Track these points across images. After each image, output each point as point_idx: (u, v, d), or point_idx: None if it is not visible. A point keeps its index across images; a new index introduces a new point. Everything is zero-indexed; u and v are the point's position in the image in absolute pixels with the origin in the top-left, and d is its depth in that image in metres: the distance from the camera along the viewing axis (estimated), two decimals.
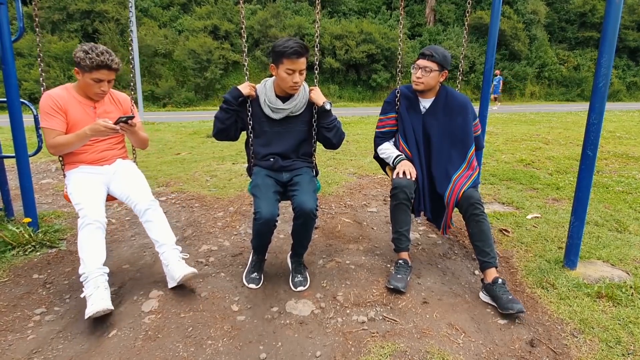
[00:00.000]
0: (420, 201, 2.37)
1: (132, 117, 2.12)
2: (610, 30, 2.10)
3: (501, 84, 16.97)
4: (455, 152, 2.36)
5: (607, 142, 7.04)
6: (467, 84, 20.99)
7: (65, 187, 2.24)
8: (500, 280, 2.10)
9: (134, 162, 2.52)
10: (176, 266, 2.11)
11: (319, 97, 2.24)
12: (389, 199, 2.35)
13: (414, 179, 2.31)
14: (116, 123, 2.07)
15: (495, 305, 2.06)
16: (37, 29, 2.38)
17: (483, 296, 2.17)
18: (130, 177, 2.28)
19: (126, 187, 2.23)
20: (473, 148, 2.38)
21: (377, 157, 2.63)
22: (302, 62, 2.09)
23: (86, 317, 1.83)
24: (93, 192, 2.12)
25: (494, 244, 2.80)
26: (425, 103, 2.43)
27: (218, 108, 2.24)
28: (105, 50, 2.09)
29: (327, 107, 2.21)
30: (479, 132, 2.52)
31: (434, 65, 2.28)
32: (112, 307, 1.90)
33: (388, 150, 2.50)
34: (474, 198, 2.19)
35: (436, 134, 2.39)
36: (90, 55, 2.03)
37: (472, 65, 21.32)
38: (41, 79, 2.29)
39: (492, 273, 2.15)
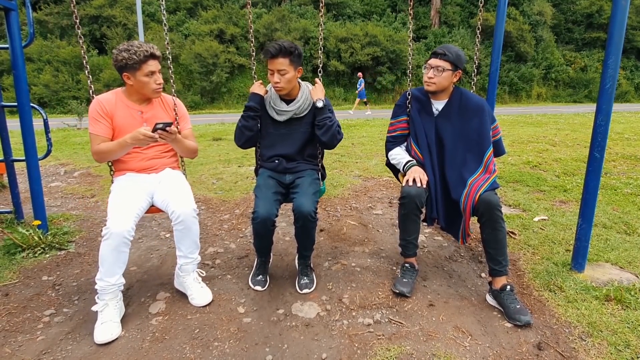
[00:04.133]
0: (433, 208, 2.23)
1: (170, 124, 1.96)
2: (617, 32, 2.09)
3: (363, 86, 15.31)
4: (470, 156, 2.23)
5: (615, 143, 6.97)
6: (473, 86, 20.92)
7: (110, 193, 2.11)
8: (508, 288, 2.05)
9: (184, 172, 2.36)
10: (196, 291, 2.11)
11: (315, 93, 2.24)
12: (398, 205, 2.26)
13: (424, 186, 2.17)
14: (153, 130, 1.94)
15: (503, 311, 2.04)
16: (79, 31, 2.20)
17: (490, 299, 2.15)
18: (175, 185, 2.14)
19: (168, 194, 2.08)
20: (490, 150, 2.24)
21: (389, 163, 2.52)
22: (278, 63, 2.08)
23: (95, 340, 1.81)
24: (130, 201, 1.98)
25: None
26: (438, 105, 2.31)
27: (239, 120, 2.22)
28: (141, 42, 2.02)
29: (319, 104, 2.19)
30: (499, 136, 2.40)
31: (446, 65, 2.16)
32: (120, 332, 1.87)
33: (399, 155, 2.37)
34: (493, 202, 2.04)
35: (450, 137, 2.26)
36: (132, 50, 1.96)
37: (478, 67, 21.20)
38: (89, 81, 2.18)
39: (501, 280, 2.10)
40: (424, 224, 2.39)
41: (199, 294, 2.11)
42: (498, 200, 2.07)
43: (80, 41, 2.22)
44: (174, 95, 2.26)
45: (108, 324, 1.85)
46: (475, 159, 2.22)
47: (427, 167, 2.27)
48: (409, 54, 2.47)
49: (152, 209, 2.14)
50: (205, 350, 1.77)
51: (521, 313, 1.95)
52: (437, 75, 2.19)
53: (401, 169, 2.36)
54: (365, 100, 15.93)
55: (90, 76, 2.21)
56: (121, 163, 2.16)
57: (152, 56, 2.01)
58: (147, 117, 2.14)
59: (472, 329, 1.92)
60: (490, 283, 2.17)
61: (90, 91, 2.16)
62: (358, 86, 15.48)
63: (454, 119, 2.28)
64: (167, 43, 2.34)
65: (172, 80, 2.36)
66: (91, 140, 2.05)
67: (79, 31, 2.18)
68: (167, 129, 1.95)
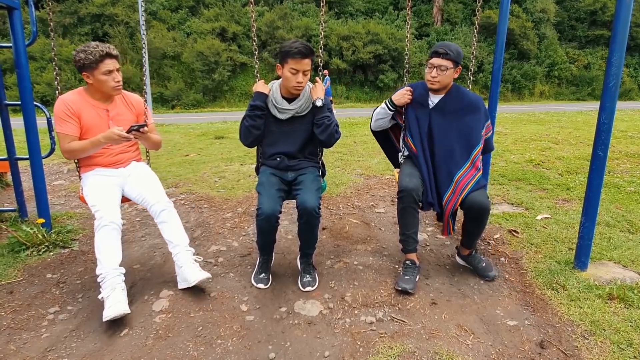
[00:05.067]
0: (428, 194, 2.32)
1: (144, 125, 2.15)
2: (621, 29, 2.07)
3: (328, 84, 15.12)
4: (458, 149, 2.32)
5: (618, 141, 6.94)
6: (476, 84, 20.81)
7: (81, 189, 2.26)
8: (474, 252, 2.42)
9: (148, 164, 2.54)
10: (191, 270, 2.14)
11: (315, 92, 2.26)
12: (397, 199, 2.31)
13: (411, 99, 2.38)
14: (129, 131, 2.08)
15: (476, 271, 2.40)
16: (51, 33, 2.42)
17: (459, 260, 2.53)
18: (146, 179, 2.31)
19: (142, 188, 2.25)
20: (478, 148, 2.34)
21: (374, 131, 2.70)
22: (305, 63, 2.12)
23: (104, 319, 1.85)
24: (109, 193, 2.14)
25: (503, 244, 2.80)
26: (434, 98, 2.40)
27: (244, 119, 2.24)
28: (98, 42, 2.12)
29: (318, 103, 2.22)
30: (490, 134, 2.49)
31: (449, 63, 2.24)
32: (129, 310, 1.92)
33: (379, 106, 2.53)
34: (484, 207, 2.18)
35: (440, 130, 2.35)
36: (88, 51, 2.05)
37: (480, 64, 21.15)
38: (56, 82, 2.33)
39: (469, 249, 2.43)
40: (421, 212, 2.43)
41: (194, 273, 2.13)
42: (489, 204, 2.23)
43: (52, 43, 2.43)
44: (144, 93, 2.43)
45: (117, 304, 1.89)
46: (463, 153, 2.33)
47: (419, 157, 2.37)
48: (406, 53, 2.53)
49: (123, 199, 2.29)
50: (209, 347, 1.78)
51: (488, 270, 2.35)
52: (440, 74, 2.27)
53: (387, 105, 2.46)
54: (331, 98, 15.67)
55: (58, 77, 2.40)
56: (90, 159, 2.25)
57: (108, 55, 2.09)
58: (113, 115, 2.25)
59: (475, 328, 1.92)
60: (457, 248, 2.53)
61: (57, 92, 2.28)
62: (324, 84, 15.21)
63: (448, 113, 2.37)
64: (144, 43, 2.51)
65: (145, 77, 2.57)
66: (60, 140, 2.15)
67: (52, 34, 2.43)
68: (141, 129, 2.13)
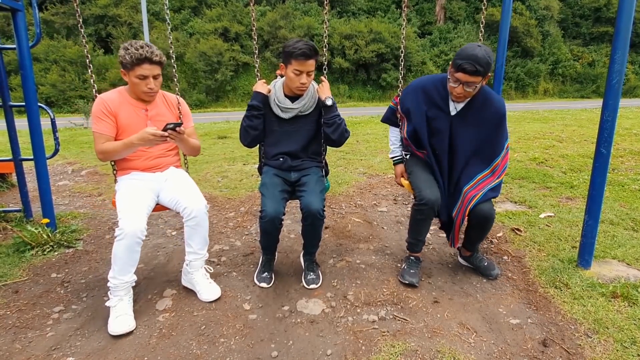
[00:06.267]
0: (441, 209, 2.25)
1: (180, 124, 1.97)
2: (624, 25, 2.06)
3: None
4: (477, 162, 2.21)
5: (623, 139, 6.89)
6: None
7: (115, 193, 2.13)
8: (475, 253, 2.41)
9: (186, 171, 2.38)
10: (203, 284, 2.15)
11: (323, 91, 2.24)
12: (413, 209, 2.23)
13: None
14: (164, 129, 1.94)
15: (478, 271, 2.39)
16: (81, 30, 2.25)
17: (461, 261, 2.52)
18: (183, 183, 2.18)
19: (176, 192, 2.11)
20: (499, 158, 2.20)
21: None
22: (309, 64, 2.10)
23: (110, 333, 1.85)
24: (139, 201, 2.00)
25: (506, 243, 2.79)
26: (457, 104, 2.16)
27: (244, 119, 2.22)
28: (145, 43, 1.98)
29: (328, 102, 2.19)
30: (502, 177, 2.24)
31: (478, 79, 1.96)
32: (135, 325, 1.91)
33: (393, 145, 2.49)
34: (490, 218, 2.14)
35: (463, 141, 2.18)
36: (129, 51, 1.94)
37: None
38: (92, 80, 2.22)
39: (470, 251, 2.43)
40: None
41: (208, 289, 2.14)
42: (494, 214, 2.18)
43: (84, 40, 2.26)
44: (177, 94, 2.28)
45: (123, 317, 1.89)
46: (481, 165, 2.22)
47: (435, 171, 2.26)
48: (401, 60, 2.44)
49: (157, 207, 2.16)
50: (212, 346, 1.79)
51: (490, 268, 2.35)
52: (467, 90, 2.02)
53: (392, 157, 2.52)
54: None
55: (94, 75, 2.26)
56: (126, 162, 2.15)
57: (147, 60, 1.97)
58: (152, 115, 2.15)
59: (477, 326, 1.92)
60: (459, 249, 2.52)
61: (94, 90, 2.19)
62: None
63: (472, 122, 2.17)
64: (171, 42, 2.36)
65: (175, 79, 2.38)
66: (95, 139, 2.05)
67: (82, 30, 2.24)
68: (177, 129, 1.95)
